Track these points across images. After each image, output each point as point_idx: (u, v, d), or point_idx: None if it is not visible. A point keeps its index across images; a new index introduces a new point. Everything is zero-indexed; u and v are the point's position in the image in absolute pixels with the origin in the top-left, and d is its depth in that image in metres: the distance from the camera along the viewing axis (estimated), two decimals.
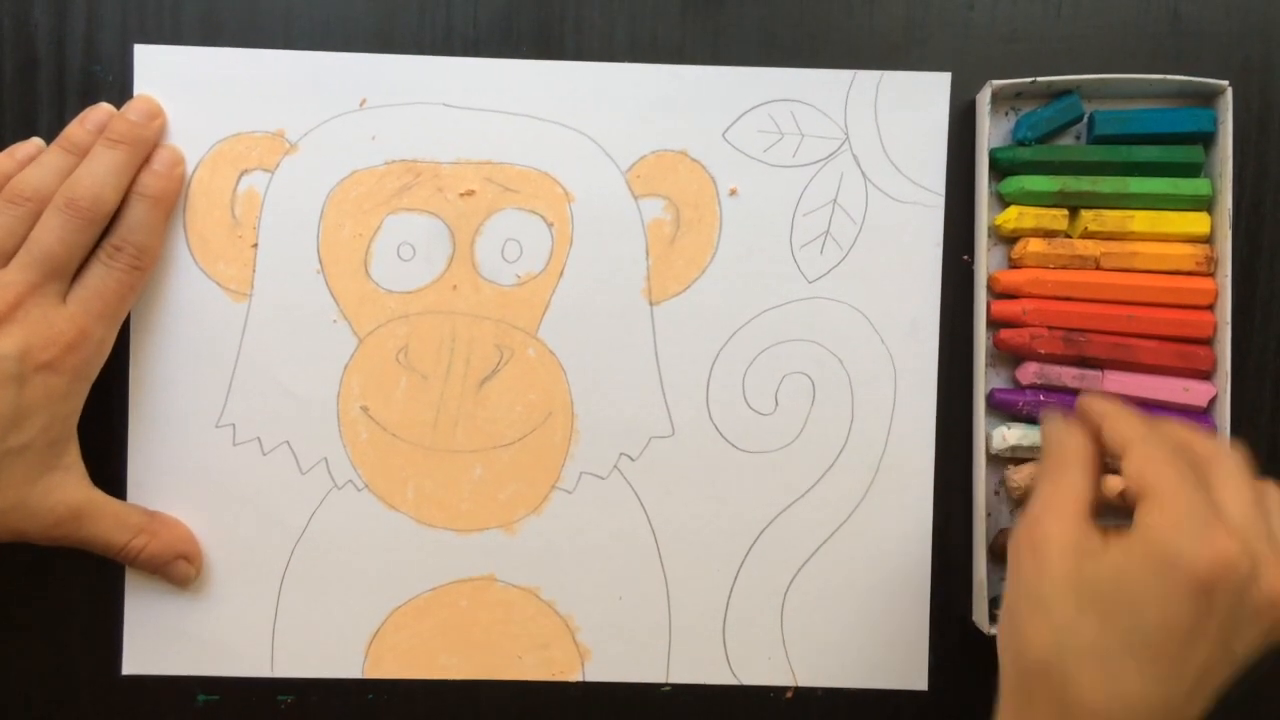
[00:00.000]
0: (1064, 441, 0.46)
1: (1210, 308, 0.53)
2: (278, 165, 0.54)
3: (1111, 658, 0.41)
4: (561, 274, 0.54)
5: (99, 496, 0.51)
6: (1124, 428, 0.45)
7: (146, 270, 0.51)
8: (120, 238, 0.50)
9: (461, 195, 0.54)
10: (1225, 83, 0.52)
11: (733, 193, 0.54)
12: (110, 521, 0.51)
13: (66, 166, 0.50)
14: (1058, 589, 0.42)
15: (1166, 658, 0.41)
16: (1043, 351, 0.53)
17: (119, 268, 0.50)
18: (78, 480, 0.50)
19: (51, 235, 0.48)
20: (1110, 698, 0.41)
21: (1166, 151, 0.53)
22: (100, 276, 0.50)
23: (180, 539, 0.53)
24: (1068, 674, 0.41)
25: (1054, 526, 0.43)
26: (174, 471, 0.54)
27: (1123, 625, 0.41)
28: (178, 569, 0.53)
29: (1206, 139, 0.53)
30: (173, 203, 0.53)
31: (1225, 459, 0.44)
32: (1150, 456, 0.43)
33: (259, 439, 0.54)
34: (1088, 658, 0.41)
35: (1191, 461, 0.43)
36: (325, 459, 0.54)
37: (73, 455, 0.50)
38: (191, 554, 0.53)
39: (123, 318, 0.51)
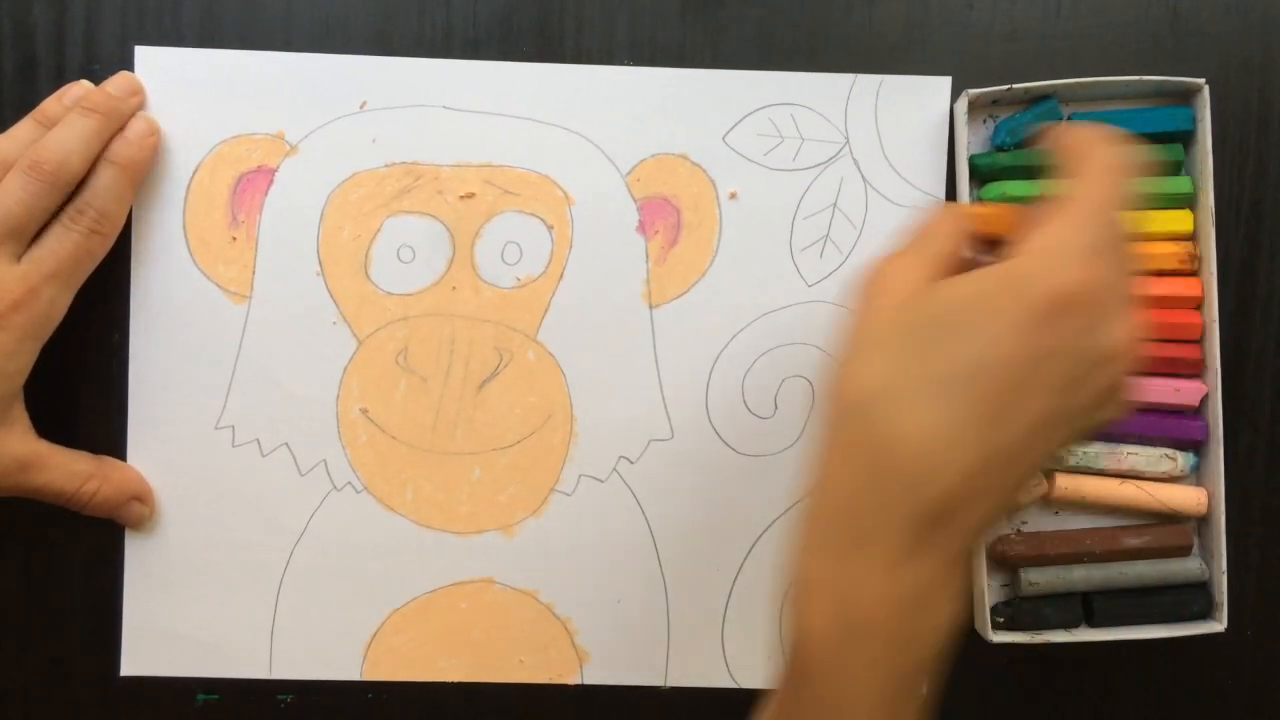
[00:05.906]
0: (937, 218, 0.43)
1: (1197, 307, 0.53)
2: (278, 167, 0.54)
3: (931, 392, 0.37)
4: (561, 277, 0.54)
5: (44, 446, 0.50)
6: (1095, 151, 0.40)
7: (108, 237, 0.51)
8: (84, 201, 0.49)
9: (461, 198, 0.54)
10: (1202, 80, 0.52)
11: (733, 196, 0.54)
12: (58, 470, 0.50)
13: (37, 138, 0.49)
14: (886, 327, 0.39)
15: (994, 397, 0.36)
16: None
17: (78, 230, 0.49)
18: (22, 432, 0.50)
19: (11, 196, 0.47)
20: (925, 436, 0.36)
21: (1146, 151, 0.53)
22: (58, 237, 0.49)
23: (131, 480, 0.53)
24: (886, 411, 0.37)
25: (896, 273, 0.40)
26: (173, 473, 0.54)
27: (948, 356, 0.37)
28: (131, 510, 0.53)
29: (1186, 137, 0.53)
30: (142, 172, 0.52)
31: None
32: (1096, 180, 0.39)
33: (258, 440, 0.54)
34: (904, 394, 0.37)
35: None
36: (324, 461, 0.54)
37: (17, 411, 0.50)
38: (144, 494, 0.53)
39: (78, 282, 0.50)
